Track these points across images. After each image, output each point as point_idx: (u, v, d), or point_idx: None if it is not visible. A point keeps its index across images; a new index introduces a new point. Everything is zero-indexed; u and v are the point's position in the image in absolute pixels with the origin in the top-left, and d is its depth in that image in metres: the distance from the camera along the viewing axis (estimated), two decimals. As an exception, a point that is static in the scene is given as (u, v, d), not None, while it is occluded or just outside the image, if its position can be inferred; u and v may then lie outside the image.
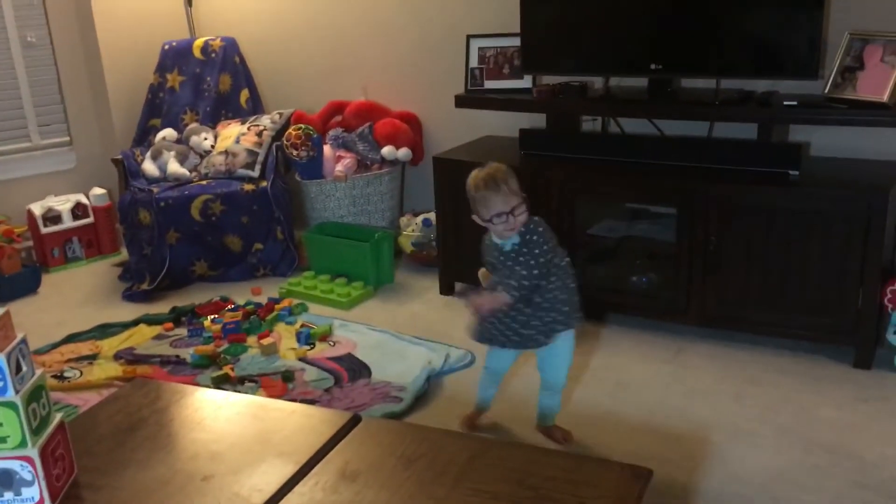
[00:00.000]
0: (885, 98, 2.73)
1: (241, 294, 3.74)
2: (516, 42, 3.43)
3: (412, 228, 3.93)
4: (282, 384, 2.87)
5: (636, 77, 3.28)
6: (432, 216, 3.74)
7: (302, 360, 3.09)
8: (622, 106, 3.32)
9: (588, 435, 2.51)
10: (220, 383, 2.91)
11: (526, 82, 3.53)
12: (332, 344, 3.21)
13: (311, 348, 3.17)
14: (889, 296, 2.78)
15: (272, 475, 1.62)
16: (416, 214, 3.98)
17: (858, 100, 2.79)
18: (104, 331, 3.42)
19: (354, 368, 3.00)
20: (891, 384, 2.74)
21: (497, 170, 2.23)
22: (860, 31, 2.87)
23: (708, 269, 2.98)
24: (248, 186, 3.90)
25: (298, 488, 1.59)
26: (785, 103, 2.88)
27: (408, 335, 3.24)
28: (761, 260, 2.87)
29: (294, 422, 1.84)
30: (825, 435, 2.48)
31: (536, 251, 2.24)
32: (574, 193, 3.23)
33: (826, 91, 2.87)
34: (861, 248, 2.71)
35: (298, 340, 3.22)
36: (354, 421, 1.82)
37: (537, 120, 3.59)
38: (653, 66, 3.13)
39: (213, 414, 1.88)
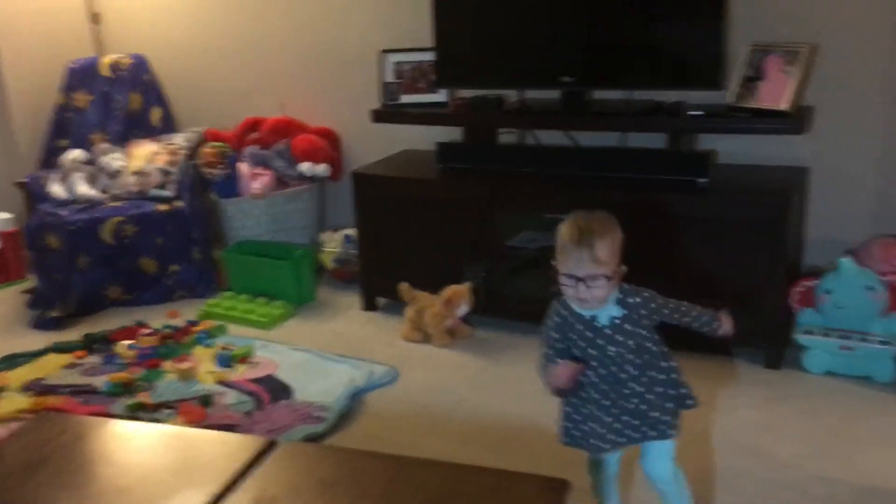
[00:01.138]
0: (784, 106, 2.83)
1: (158, 318, 3.64)
2: (431, 56, 3.44)
3: (333, 245, 3.90)
4: (200, 409, 2.80)
5: (549, 90, 3.33)
6: (353, 232, 3.71)
7: (221, 383, 3.02)
8: (537, 118, 3.36)
9: (513, 448, 2.52)
10: (136, 411, 2.82)
11: (442, 96, 3.54)
12: (252, 366, 3.14)
13: (231, 371, 3.10)
14: (795, 297, 2.89)
15: (185, 508, 1.57)
16: (336, 231, 3.95)
17: (760, 108, 2.89)
18: (11, 361, 3.28)
19: (275, 390, 2.95)
20: (800, 383, 2.83)
21: (598, 223, 1.77)
22: (761, 42, 2.98)
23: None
24: (163, 207, 3.80)
25: (213, 518, 1.54)
26: (691, 113, 2.97)
27: (330, 353, 3.21)
28: (673, 266, 2.94)
29: (208, 450, 1.79)
30: (741, 436, 2.54)
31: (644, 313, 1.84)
32: (493, 205, 3.26)
33: (730, 101, 2.97)
34: (767, 252, 2.80)
35: (217, 363, 3.14)
36: (271, 446, 1.78)
37: (455, 133, 3.60)
38: (565, 79, 3.18)
39: (123, 446, 1.82)
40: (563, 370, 1.84)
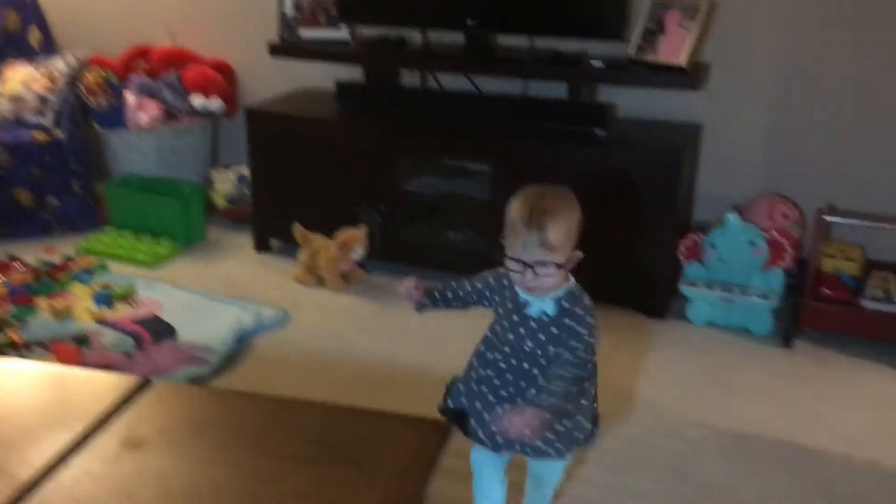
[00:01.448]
0: (681, 62, 2.86)
1: (33, 253, 3.43)
2: (332, -11, 3.31)
3: (225, 184, 3.75)
4: (75, 349, 2.66)
5: (452, 31, 3.26)
6: (246, 171, 3.58)
7: (100, 322, 2.87)
8: (439, 61, 3.30)
9: (401, 393, 2.50)
10: (4, 349, 2.66)
11: (344, 34, 3.42)
12: (134, 305, 3.01)
13: (111, 310, 2.96)
14: (683, 250, 2.96)
15: (44, 447, 1.48)
16: (229, 169, 3.80)
17: (659, 63, 2.91)
18: None
19: (158, 330, 2.83)
20: (681, 333, 2.92)
21: (552, 202, 1.57)
22: (663, -4, 2.99)
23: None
24: (40, 135, 3.56)
25: (74, 460, 1.45)
26: (592, 62, 2.97)
27: (218, 295, 3.10)
28: (569, 216, 2.96)
29: (76, 389, 1.69)
30: (618, 380, 2.61)
31: (583, 332, 1.61)
32: (392, 149, 3.19)
33: (631, 53, 2.98)
34: (658, 205, 2.85)
35: (96, 302, 2.99)
36: (144, 385, 1.70)
37: (356, 73, 3.50)
38: (469, 22, 3.12)
39: (-20, 384, 1.70)
40: (408, 281, 1.74)
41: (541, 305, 1.62)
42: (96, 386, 1.70)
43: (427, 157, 3.34)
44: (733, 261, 2.88)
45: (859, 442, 2.32)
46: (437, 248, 3.28)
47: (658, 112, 3.22)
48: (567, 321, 1.61)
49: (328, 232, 3.23)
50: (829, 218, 2.77)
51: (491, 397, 1.69)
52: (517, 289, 1.64)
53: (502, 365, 1.67)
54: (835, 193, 3.03)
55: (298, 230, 3.27)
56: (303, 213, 3.32)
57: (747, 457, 2.26)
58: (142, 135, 3.68)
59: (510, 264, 1.59)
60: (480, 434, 1.71)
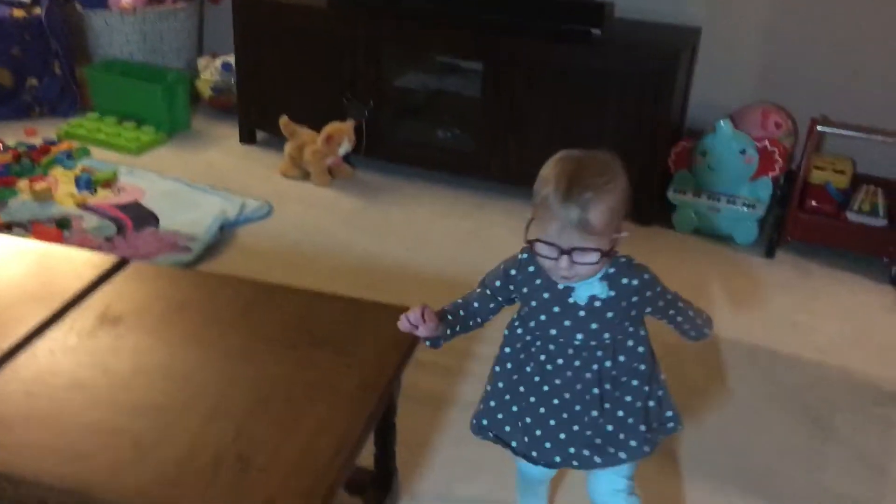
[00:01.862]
0: (685, -40, 2.76)
1: (13, 135, 3.36)
2: None
3: (211, 72, 3.66)
4: (56, 231, 2.64)
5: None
6: (233, 60, 3.48)
7: (81, 206, 2.84)
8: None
9: (381, 288, 2.50)
10: (-16, 230, 2.63)
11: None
12: (116, 191, 2.97)
13: (93, 195, 2.93)
14: (673, 156, 2.93)
15: (21, 321, 1.47)
16: (215, 57, 3.70)
17: (661, -39, 2.80)
18: None
19: (140, 217, 2.81)
20: (666, 239, 2.92)
21: (596, 174, 1.26)
22: None
23: (511, 125, 3.00)
24: (18, 12, 3.44)
25: (51, 333, 1.46)
26: (591, -42, 2.86)
27: (202, 184, 3.06)
28: (562, 117, 2.91)
29: (53, 265, 1.68)
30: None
31: (660, 294, 1.39)
32: (381, 42, 3.10)
33: (633, -50, 2.87)
34: (651, 109, 2.80)
35: (78, 186, 2.95)
36: (122, 265, 1.68)
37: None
38: (466, -90, 2.99)
39: (-44, 257, 1.68)
40: (413, 312, 1.35)
41: (588, 289, 1.33)
42: (76, 263, 1.69)
43: (418, 52, 3.25)
44: (722, 169, 2.85)
45: (832, 350, 2.36)
46: (425, 147, 3.24)
47: (657, 14, 3.12)
48: (633, 299, 1.35)
49: (315, 125, 3.18)
50: (821, 128, 2.73)
51: (542, 409, 1.42)
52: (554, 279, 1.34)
53: (548, 367, 1.39)
54: (829, 105, 2.98)
55: (284, 122, 3.21)
56: (289, 105, 3.25)
57: (722, 362, 2.29)
58: (125, 16, 3.56)
59: (541, 249, 1.27)
60: (534, 454, 1.45)
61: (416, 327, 1.36)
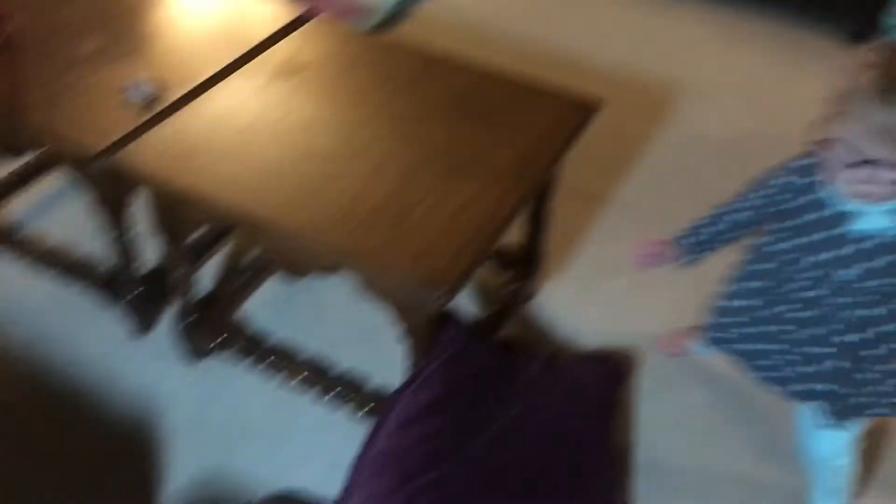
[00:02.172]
0: None
1: None
2: None
3: None
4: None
5: None
6: None
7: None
8: None
9: (553, 76, 2.44)
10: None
11: None
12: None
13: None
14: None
15: (209, 62, 1.55)
16: None
17: None
18: None
19: (327, -20, 2.82)
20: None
21: None
22: None
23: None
24: None
25: (235, 77, 1.54)
26: None
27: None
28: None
29: (240, 13, 1.74)
30: (795, 105, 2.42)
31: None
32: None
33: None
34: None
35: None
36: (305, 19, 1.72)
37: None
38: None
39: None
40: (644, 246, 1.35)
41: (874, 219, 1.12)
42: (263, 14, 1.73)
43: None
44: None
45: None
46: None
47: None
48: None
49: None
50: None
51: (788, 353, 1.29)
52: (821, 192, 1.16)
53: (802, 313, 1.23)
54: None
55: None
56: None
57: None
58: None
59: (841, 152, 1.09)
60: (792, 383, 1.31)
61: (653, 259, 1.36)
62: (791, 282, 1.23)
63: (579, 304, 1.81)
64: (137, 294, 1.62)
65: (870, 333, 1.19)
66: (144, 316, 1.66)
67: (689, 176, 2.15)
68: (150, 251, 1.75)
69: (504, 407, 1.37)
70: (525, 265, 1.77)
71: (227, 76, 1.53)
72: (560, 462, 1.35)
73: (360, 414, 1.53)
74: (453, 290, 1.20)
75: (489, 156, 1.40)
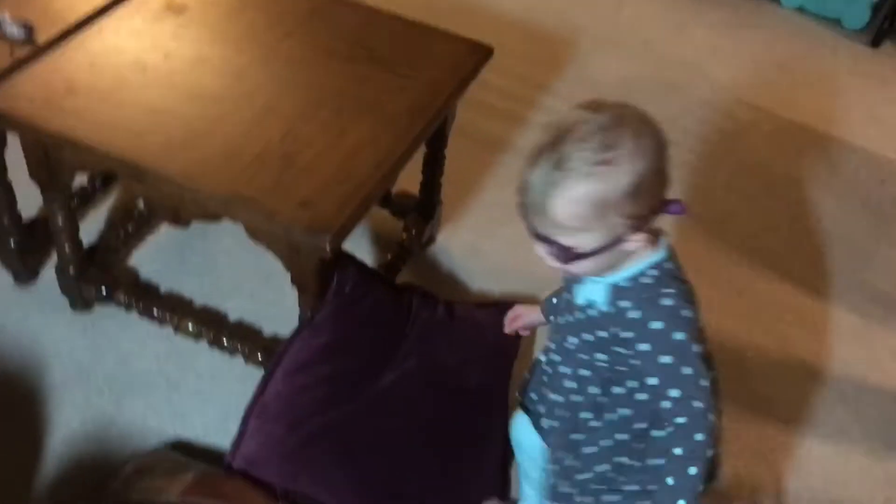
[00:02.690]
0: None
1: None
2: None
3: None
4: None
5: None
6: None
7: None
8: None
9: (451, 23, 2.42)
10: None
11: None
12: None
13: None
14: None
15: (88, -3, 1.48)
16: None
17: None
18: None
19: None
20: (768, 14, 2.72)
21: (580, 150, 0.89)
22: None
23: None
24: None
25: (117, 13, 1.47)
26: None
27: None
28: None
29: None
30: (688, 53, 2.49)
31: (663, 357, 0.94)
32: None
33: None
34: None
35: None
36: (191, -44, 1.65)
37: None
38: None
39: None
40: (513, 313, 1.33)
41: (588, 291, 1.00)
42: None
43: None
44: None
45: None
46: None
47: None
48: (627, 334, 0.96)
49: None
50: None
51: (541, 408, 1.16)
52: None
53: (547, 367, 1.13)
54: None
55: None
56: None
57: (792, 144, 2.22)
58: None
59: (534, 238, 0.97)
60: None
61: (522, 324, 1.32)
62: (550, 340, 1.13)
63: (477, 250, 1.83)
64: (17, 242, 1.55)
65: (586, 413, 1.06)
66: (25, 265, 1.59)
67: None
68: (30, 197, 1.68)
69: (400, 353, 1.39)
70: (422, 211, 1.77)
71: (108, 12, 1.46)
72: (456, 413, 1.37)
73: (255, 361, 1.52)
74: (340, 236, 1.19)
75: (381, 100, 1.38)
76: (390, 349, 1.40)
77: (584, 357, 1.03)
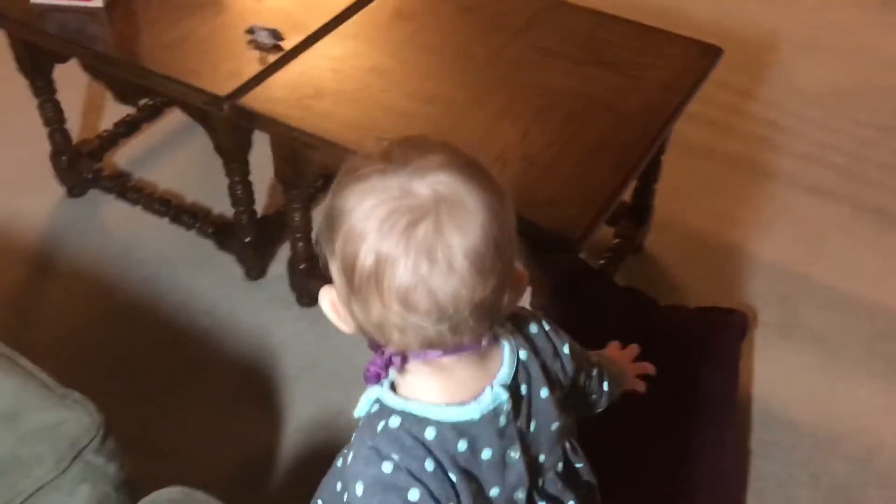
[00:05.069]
0: None
1: None
2: None
3: None
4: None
5: None
6: None
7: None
8: None
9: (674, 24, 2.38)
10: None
11: None
12: None
13: None
14: None
15: (325, 9, 1.55)
16: None
17: None
18: None
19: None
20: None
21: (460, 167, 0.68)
22: None
23: None
24: None
25: (354, 19, 1.53)
26: None
27: None
28: None
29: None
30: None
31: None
32: None
33: None
34: None
35: None
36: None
37: None
38: None
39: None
40: None
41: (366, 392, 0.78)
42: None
43: None
44: None
45: None
46: None
47: None
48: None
49: None
50: None
51: None
52: None
53: None
54: None
55: None
56: None
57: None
58: None
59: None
60: None
61: None
62: None
63: (684, 257, 1.78)
64: (252, 239, 1.64)
65: None
66: (258, 261, 1.68)
67: (794, 131, 2.10)
68: (263, 195, 1.78)
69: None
70: (632, 219, 1.74)
71: (343, 21, 1.53)
72: (688, 418, 1.34)
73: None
74: (586, 236, 1.19)
75: (614, 101, 1.37)
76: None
77: None
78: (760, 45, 2.37)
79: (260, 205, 1.67)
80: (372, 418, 0.74)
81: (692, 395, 1.36)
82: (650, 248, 1.80)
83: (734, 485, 1.32)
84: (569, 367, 0.83)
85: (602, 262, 1.70)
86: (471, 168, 0.67)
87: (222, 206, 1.73)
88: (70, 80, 1.77)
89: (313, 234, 0.62)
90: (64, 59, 1.62)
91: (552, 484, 0.84)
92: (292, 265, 1.60)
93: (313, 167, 1.41)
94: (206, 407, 1.49)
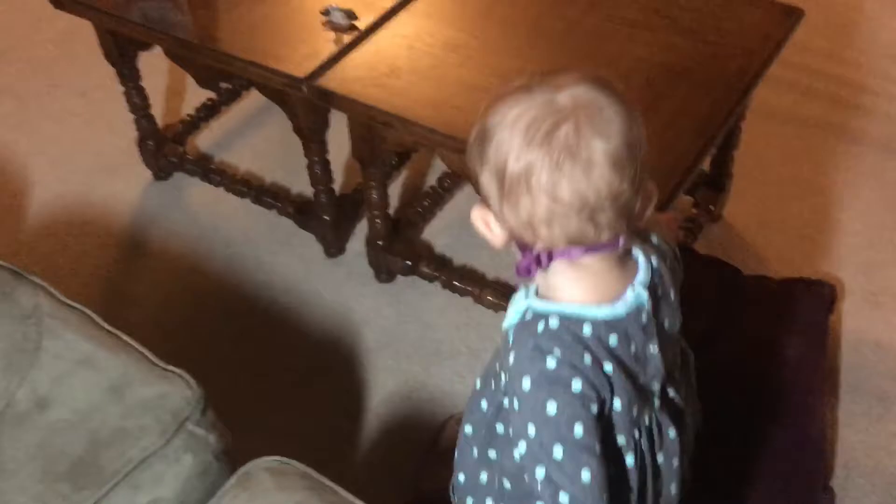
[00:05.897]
0: None
1: None
2: None
3: None
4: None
5: None
6: None
7: None
8: None
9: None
10: None
11: None
12: None
13: None
14: None
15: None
16: None
17: None
18: None
19: None
20: None
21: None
22: None
23: None
24: None
25: (402, 15, 1.53)
26: None
27: None
28: None
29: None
30: None
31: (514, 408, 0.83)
32: None
33: None
34: None
35: None
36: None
37: None
38: None
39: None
40: None
41: (513, 301, 0.85)
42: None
43: None
44: None
45: None
46: None
47: None
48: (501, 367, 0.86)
49: None
50: None
51: None
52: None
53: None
54: None
55: None
56: None
57: None
58: None
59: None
60: None
61: None
62: None
63: (766, 225, 1.75)
64: (331, 217, 1.67)
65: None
66: (337, 239, 1.71)
67: (880, 91, 2.02)
68: (340, 174, 1.81)
69: (712, 326, 1.35)
70: (713, 185, 1.72)
71: (396, 13, 1.52)
72: (775, 386, 1.32)
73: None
74: (663, 210, 1.17)
75: (692, 68, 1.36)
76: (701, 323, 1.36)
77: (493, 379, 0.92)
78: (844, 3, 2.29)
79: (337, 183, 1.71)
80: (528, 324, 0.80)
81: (778, 364, 1.33)
82: (729, 217, 1.77)
83: (820, 450, 1.30)
84: (679, 269, 0.91)
85: (681, 231, 1.69)
86: (605, 82, 0.76)
87: (301, 185, 1.77)
88: (153, 67, 1.84)
89: (466, 153, 0.76)
90: (147, 47, 1.68)
91: (675, 382, 0.92)
92: (370, 242, 1.63)
93: (390, 145, 1.43)
94: (290, 381, 1.54)
